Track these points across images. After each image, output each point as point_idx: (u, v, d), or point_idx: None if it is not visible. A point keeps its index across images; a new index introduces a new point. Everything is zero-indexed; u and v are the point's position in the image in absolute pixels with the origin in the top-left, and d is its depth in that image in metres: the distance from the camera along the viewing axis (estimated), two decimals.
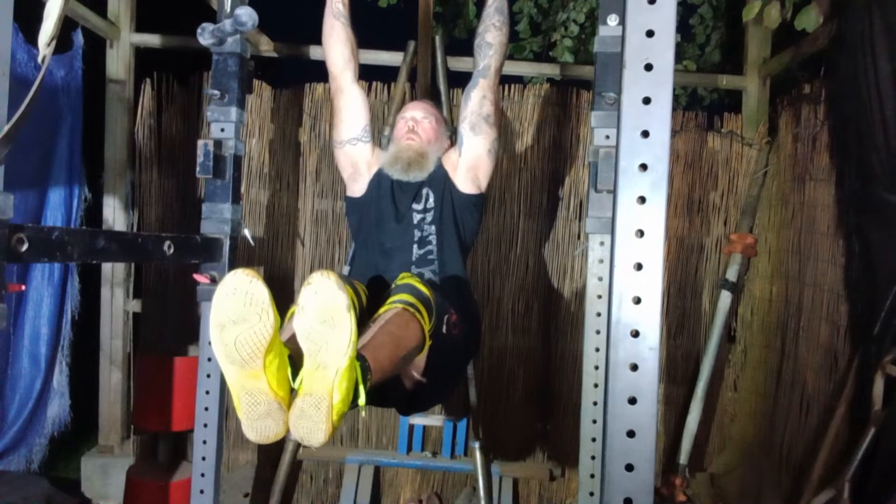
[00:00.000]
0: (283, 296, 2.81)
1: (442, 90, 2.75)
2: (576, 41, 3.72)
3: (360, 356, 1.25)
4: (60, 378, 2.81)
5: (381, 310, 1.49)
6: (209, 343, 1.85)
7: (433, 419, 2.82)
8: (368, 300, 1.66)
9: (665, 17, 0.81)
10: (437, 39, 2.77)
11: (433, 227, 1.96)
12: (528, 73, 3.28)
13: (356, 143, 2.03)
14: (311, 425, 1.14)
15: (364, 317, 1.56)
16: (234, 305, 1.13)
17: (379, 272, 1.93)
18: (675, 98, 3.77)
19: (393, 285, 1.66)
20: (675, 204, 2.94)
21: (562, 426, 2.94)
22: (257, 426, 1.18)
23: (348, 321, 1.15)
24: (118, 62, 2.88)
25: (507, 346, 2.95)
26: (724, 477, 2.84)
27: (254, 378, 1.16)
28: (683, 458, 2.84)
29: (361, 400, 1.23)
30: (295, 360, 1.25)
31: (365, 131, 2.03)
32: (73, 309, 2.83)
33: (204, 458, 1.89)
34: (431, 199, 1.98)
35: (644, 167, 0.81)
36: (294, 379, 1.24)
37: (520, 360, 2.96)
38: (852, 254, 2.17)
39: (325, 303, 1.15)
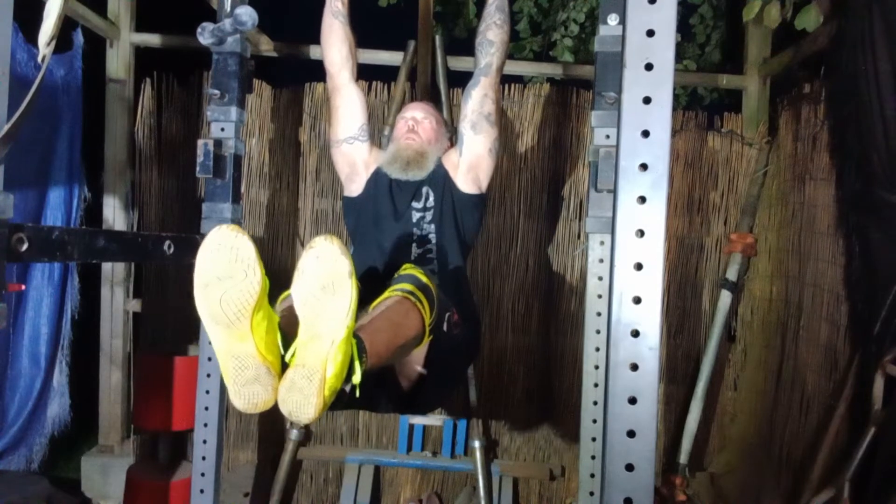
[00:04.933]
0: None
1: (442, 90, 2.75)
2: (576, 41, 3.71)
3: (356, 336, 1.21)
4: (60, 378, 2.81)
5: (382, 297, 1.46)
6: (209, 343, 1.86)
7: (433, 419, 2.82)
8: (364, 294, 1.64)
9: (665, 16, 0.81)
10: (437, 39, 2.77)
11: (433, 227, 1.95)
12: (528, 72, 3.28)
13: (353, 142, 2.02)
14: (301, 399, 1.08)
15: (358, 309, 1.54)
16: (219, 262, 1.08)
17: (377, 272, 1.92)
18: (675, 98, 3.76)
19: (396, 275, 1.63)
20: (675, 204, 2.94)
21: (562, 426, 2.94)
22: (244, 392, 1.11)
23: (349, 288, 1.10)
24: (118, 62, 2.88)
25: (507, 346, 2.95)
26: (724, 476, 2.84)
27: (241, 340, 1.11)
28: (683, 458, 2.84)
29: (357, 377, 1.17)
30: (286, 333, 1.20)
31: (362, 130, 2.03)
32: (73, 308, 2.82)
33: (204, 458, 1.89)
34: (431, 199, 1.97)
35: (644, 167, 0.81)
36: (286, 351, 1.18)
37: (520, 360, 2.96)
38: (852, 254, 2.17)
39: (326, 268, 1.10)
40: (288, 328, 1.20)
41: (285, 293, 1.52)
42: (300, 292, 1.12)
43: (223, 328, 1.10)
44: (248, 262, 1.09)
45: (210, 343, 1.82)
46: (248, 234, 1.12)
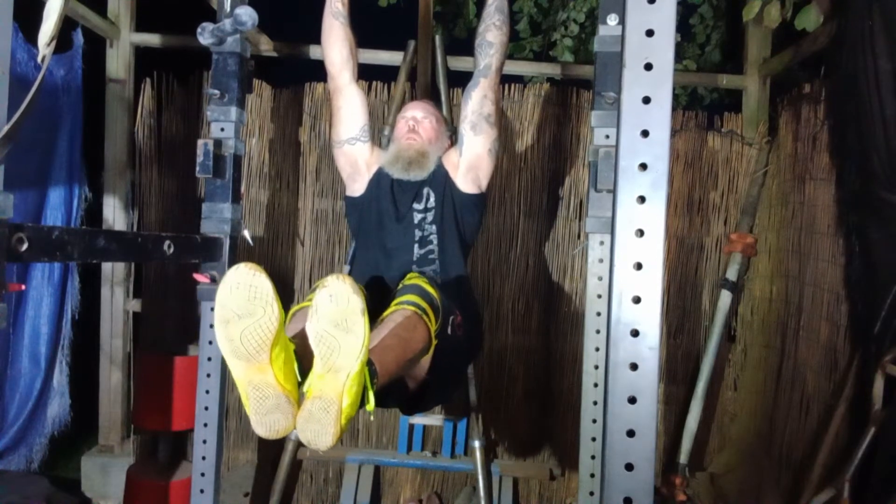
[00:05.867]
0: (283, 296, 2.80)
1: (442, 90, 2.75)
2: (576, 41, 3.72)
3: (368, 362, 1.25)
4: (60, 377, 2.81)
5: (389, 310, 1.49)
6: (209, 342, 1.86)
7: (433, 419, 2.82)
8: (371, 301, 1.66)
9: (665, 16, 0.81)
10: (437, 39, 2.77)
11: (434, 227, 1.96)
12: (528, 72, 3.28)
13: (355, 142, 2.03)
14: (320, 428, 1.14)
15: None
16: (239, 299, 1.13)
17: (380, 272, 1.93)
18: (675, 97, 3.76)
19: (400, 285, 1.65)
20: (675, 204, 2.94)
21: (562, 425, 2.94)
22: (266, 421, 1.17)
23: (362, 325, 1.15)
24: (118, 62, 2.88)
25: (508, 346, 2.95)
26: (724, 476, 2.84)
27: (260, 372, 1.16)
28: (683, 458, 2.84)
29: (370, 404, 1.24)
30: (300, 357, 1.25)
31: (363, 131, 2.03)
32: (74, 308, 2.82)
33: (204, 458, 1.89)
34: (432, 199, 1.98)
35: (644, 167, 0.81)
36: (302, 379, 1.23)
37: (520, 360, 2.96)
38: (852, 254, 2.17)
39: (339, 307, 1.15)
40: (302, 351, 1.24)
41: (294, 308, 1.54)
42: (315, 330, 1.16)
43: (244, 362, 1.15)
44: (266, 300, 1.14)
45: (210, 343, 1.84)
46: (265, 271, 1.17)
